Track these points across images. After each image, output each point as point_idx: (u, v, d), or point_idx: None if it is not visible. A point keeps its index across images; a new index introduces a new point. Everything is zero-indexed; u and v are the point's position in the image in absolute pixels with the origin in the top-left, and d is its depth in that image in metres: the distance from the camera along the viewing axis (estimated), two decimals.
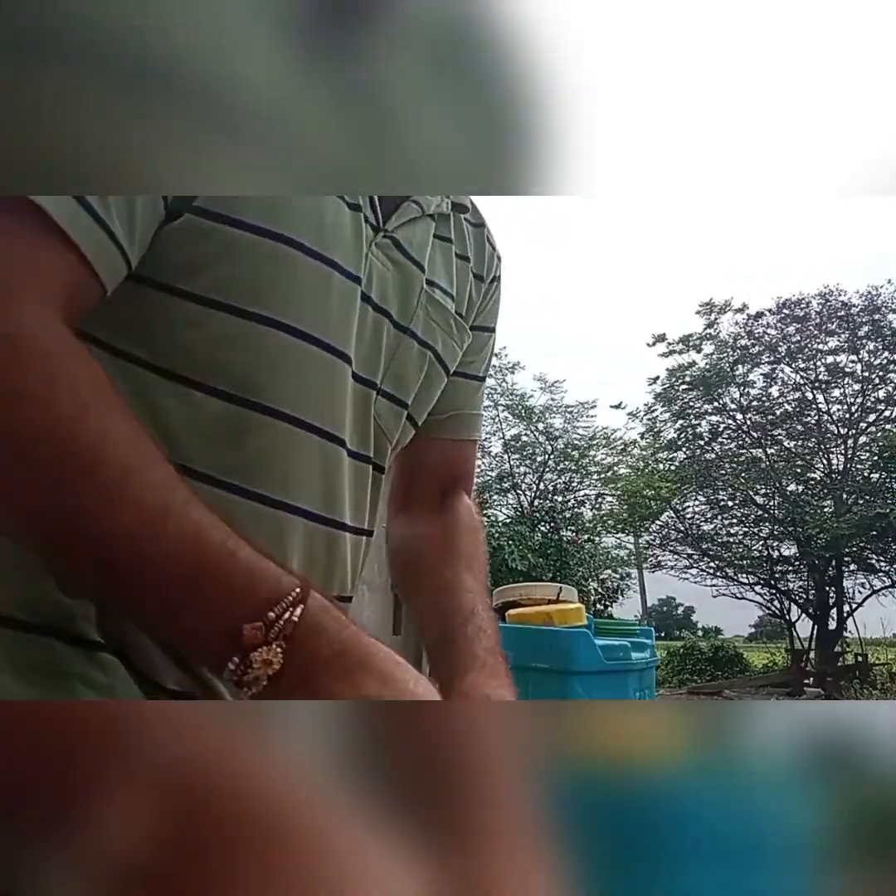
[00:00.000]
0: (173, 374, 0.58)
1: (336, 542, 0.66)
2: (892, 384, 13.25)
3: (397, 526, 0.89)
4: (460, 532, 0.85)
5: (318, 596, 0.49)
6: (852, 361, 13.47)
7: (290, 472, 0.61)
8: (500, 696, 0.66)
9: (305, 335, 0.60)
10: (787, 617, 13.88)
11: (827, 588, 13.20)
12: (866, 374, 13.34)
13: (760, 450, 13.75)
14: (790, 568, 13.83)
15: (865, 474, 13.15)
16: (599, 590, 12.10)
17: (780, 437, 13.92)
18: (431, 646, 0.76)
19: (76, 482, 0.45)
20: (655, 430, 14.67)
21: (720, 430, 14.30)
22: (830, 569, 13.15)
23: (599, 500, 14.86)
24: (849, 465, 13.26)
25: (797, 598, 13.64)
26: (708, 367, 13.91)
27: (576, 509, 14.51)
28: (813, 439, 13.73)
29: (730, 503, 14.23)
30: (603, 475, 14.66)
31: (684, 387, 14.11)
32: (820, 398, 13.81)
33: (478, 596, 0.79)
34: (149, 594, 0.47)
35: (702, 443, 14.36)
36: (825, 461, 13.68)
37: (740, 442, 14.17)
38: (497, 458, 14.86)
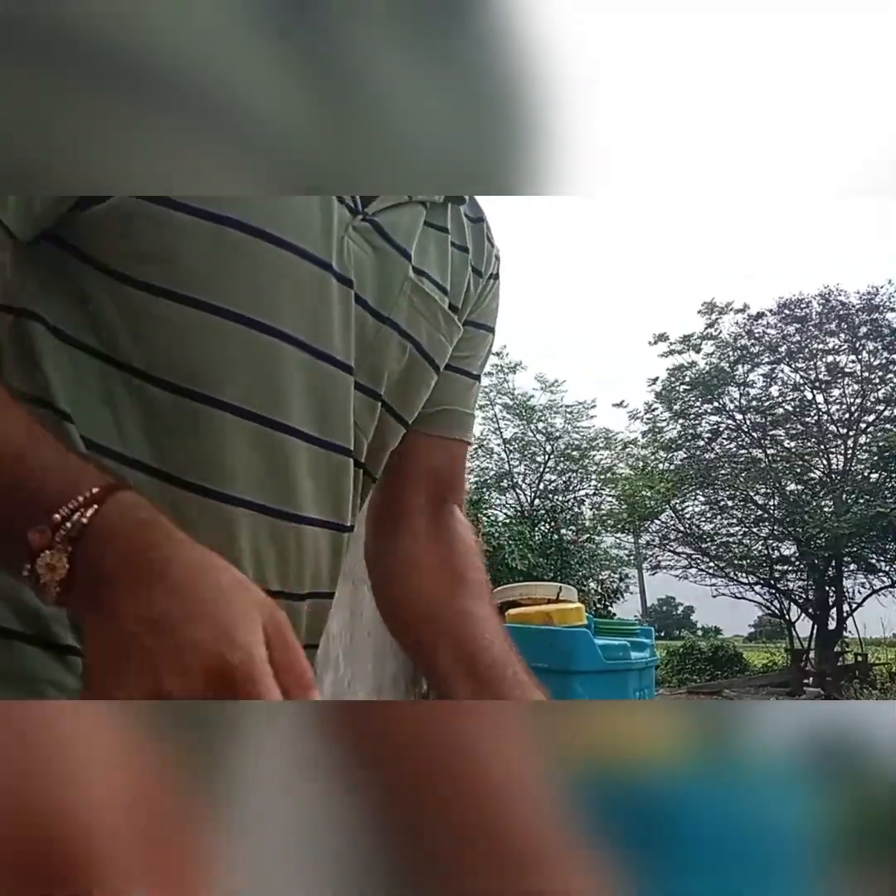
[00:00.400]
0: (126, 366, 0.56)
1: (296, 535, 0.63)
2: (892, 384, 13.26)
3: (381, 545, 0.82)
4: (466, 558, 0.79)
5: (129, 497, 0.44)
6: (852, 361, 13.48)
7: (241, 466, 0.59)
8: None
9: (256, 323, 0.58)
10: (787, 617, 13.88)
11: (827, 588, 13.20)
12: (866, 374, 13.35)
13: (760, 450, 13.76)
14: (790, 568, 13.83)
15: (865, 474, 13.14)
16: (599, 590, 12.10)
17: (779, 438, 13.92)
18: (458, 678, 0.72)
19: None
20: (656, 429, 14.67)
21: (720, 430, 14.30)
22: (830, 569, 13.15)
23: (599, 499, 14.87)
24: (849, 465, 13.26)
25: (797, 597, 13.63)
26: (708, 367, 13.92)
27: (575, 509, 14.52)
28: (813, 439, 13.72)
29: (730, 503, 14.23)
30: (603, 476, 14.66)
31: (684, 387, 14.11)
32: (820, 398, 13.83)
33: (507, 635, 0.75)
34: None
35: (701, 443, 14.36)
36: (825, 461, 13.68)
37: (740, 442, 14.17)
38: (497, 458, 14.87)
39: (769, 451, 13.66)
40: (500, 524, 11.52)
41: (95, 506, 0.43)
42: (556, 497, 14.55)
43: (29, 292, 0.57)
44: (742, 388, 13.99)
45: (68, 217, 0.55)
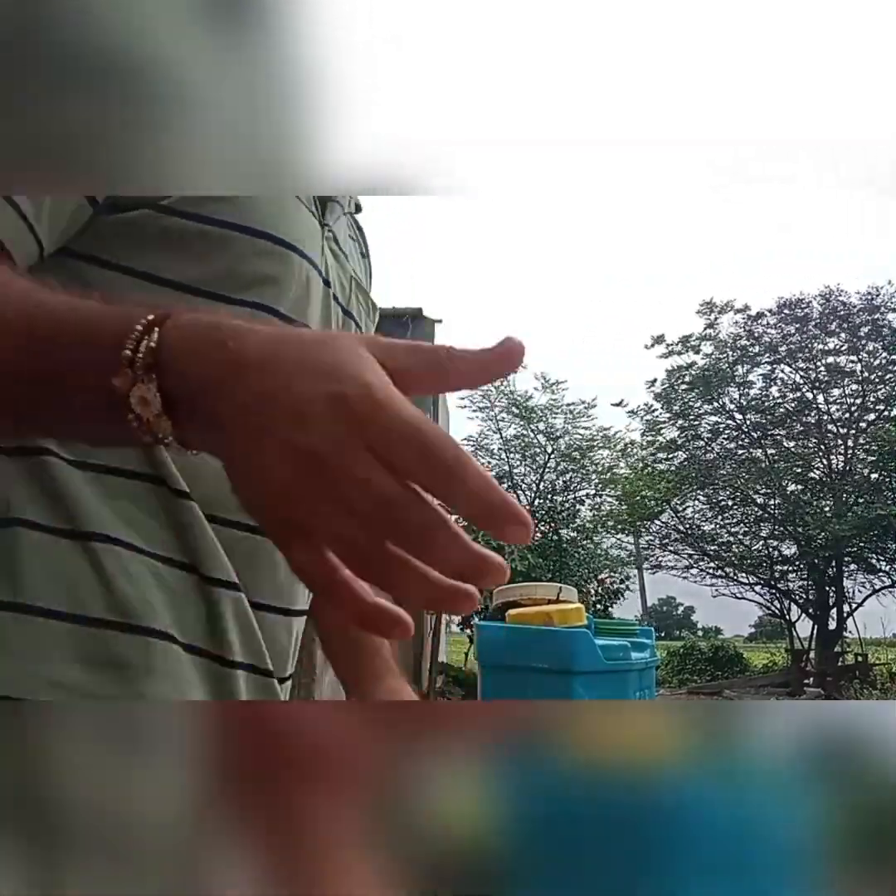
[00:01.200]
0: None
1: None
2: (892, 384, 13.25)
3: None
4: None
5: (183, 313, 0.44)
6: (852, 362, 13.48)
7: None
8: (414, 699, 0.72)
9: (280, 315, 0.67)
10: (787, 617, 13.88)
11: (827, 588, 13.20)
12: (866, 374, 13.34)
13: (760, 450, 13.75)
14: (790, 568, 13.83)
15: (865, 474, 13.14)
16: (599, 590, 12.08)
17: (779, 437, 13.92)
18: (334, 647, 0.85)
19: None
20: (656, 428, 14.66)
21: (720, 430, 14.30)
22: (830, 569, 13.15)
23: (599, 499, 14.85)
24: (849, 465, 13.26)
25: (797, 598, 13.63)
26: (708, 367, 13.91)
27: (575, 508, 14.49)
28: (813, 439, 13.72)
29: (730, 503, 14.22)
30: (602, 476, 14.65)
31: (684, 387, 14.11)
32: (820, 398, 13.82)
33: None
34: (16, 396, 0.46)
35: (701, 443, 14.35)
36: (825, 461, 13.67)
37: (740, 442, 14.17)
38: (497, 458, 14.85)
39: (769, 451, 13.65)
40: None
41: (157, 329, 0.42)
42: (555, 497, 14.53)
43: None
44: (742, 388, 13.99)
45: (86, 226, 0.60)
